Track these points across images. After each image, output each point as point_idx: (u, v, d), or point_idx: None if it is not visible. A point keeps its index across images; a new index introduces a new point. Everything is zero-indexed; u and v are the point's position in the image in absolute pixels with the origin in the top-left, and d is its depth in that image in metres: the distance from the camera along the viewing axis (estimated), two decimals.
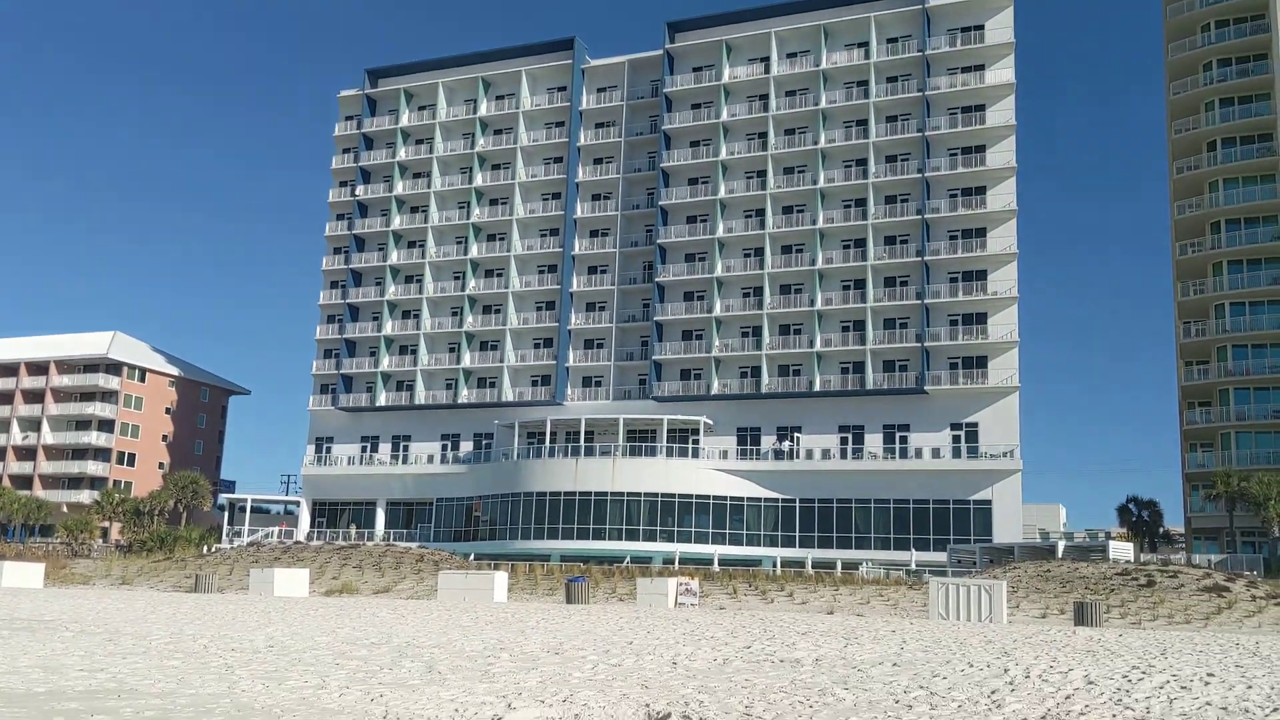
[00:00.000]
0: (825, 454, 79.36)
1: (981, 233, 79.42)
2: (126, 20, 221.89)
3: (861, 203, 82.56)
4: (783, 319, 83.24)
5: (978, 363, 77.56)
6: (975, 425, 76.54)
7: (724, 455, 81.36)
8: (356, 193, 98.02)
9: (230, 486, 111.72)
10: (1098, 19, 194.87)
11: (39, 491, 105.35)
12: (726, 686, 16.79)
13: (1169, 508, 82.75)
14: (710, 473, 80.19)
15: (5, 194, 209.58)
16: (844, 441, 79.48)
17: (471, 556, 74.98)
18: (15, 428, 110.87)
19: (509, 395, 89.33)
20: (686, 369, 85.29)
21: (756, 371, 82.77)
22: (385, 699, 14.82)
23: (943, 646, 26.08)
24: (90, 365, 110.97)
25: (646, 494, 79.28)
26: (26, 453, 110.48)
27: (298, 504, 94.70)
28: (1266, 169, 77.48)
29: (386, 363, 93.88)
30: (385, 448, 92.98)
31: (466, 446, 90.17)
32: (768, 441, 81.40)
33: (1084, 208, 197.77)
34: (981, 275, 78.81)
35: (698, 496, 79.38)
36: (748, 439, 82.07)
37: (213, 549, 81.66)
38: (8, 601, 40.71)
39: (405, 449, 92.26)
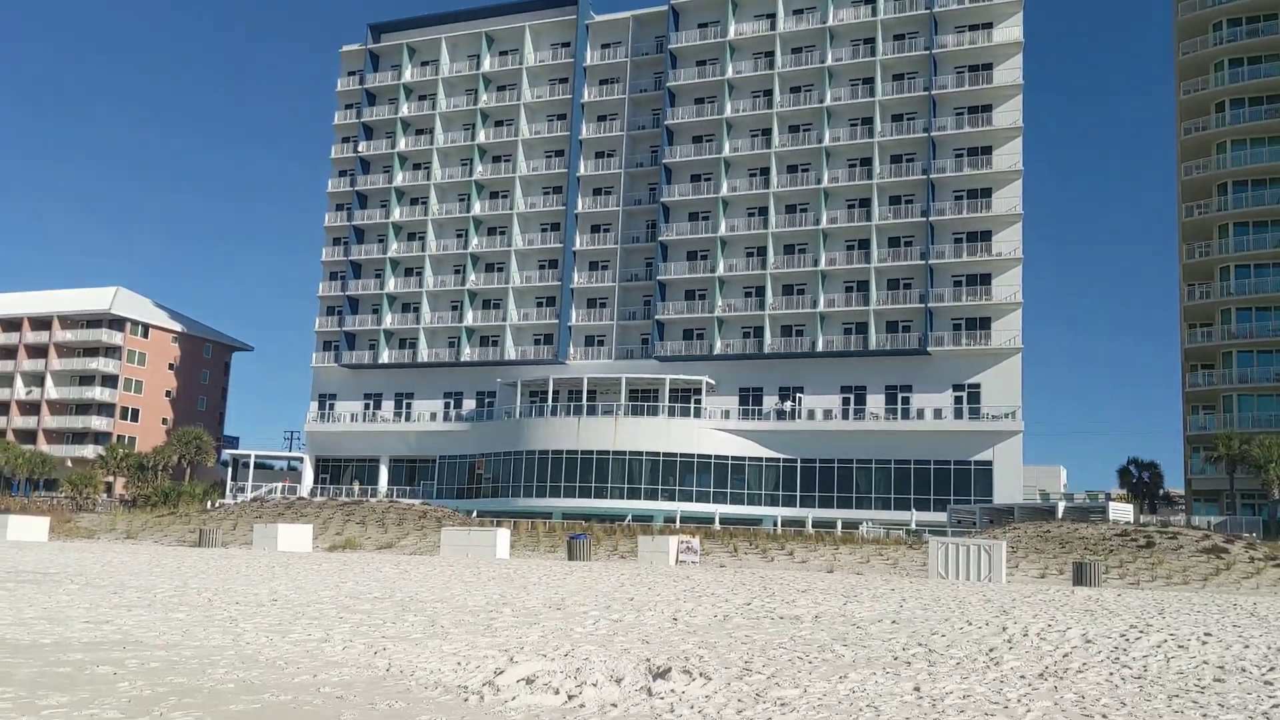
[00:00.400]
0: (827, 414, 79.46)
1: (987, 193, 78.96)
2: None
3: (867, 162, 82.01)
4: (786, 279, 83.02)
5: (981, 324, 77.42)
6: (977, 386, 76.57)
7: (726, 415, 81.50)
8: (359, 149, 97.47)
9: (234, 442, 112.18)
10: None
11: (43, 446, 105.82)
12: (726, 642, 16.90)
13: (1170, 470, 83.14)
14: (712, 432, 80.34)
15: (10, 149, 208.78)
16: (846, 402, 79.56)
17: (474, 513, 75.41)
18: (19, 382, 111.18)
19: (511, 354, 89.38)
20: (689, 328, 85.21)
21: (759, 331, 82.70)
22: (388, 652, 14.94)
23: (942, 605, 26.24)
24: (93, 321, 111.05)
25: (648, 453, 79.48)
26: (30, 407, 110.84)
27: (301, 460, 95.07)
28: (1275, 130, 76.86)
29: (389, 320, 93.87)
30: (388, 405, 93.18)
31: (469, 404, 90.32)
32: (770, 401, 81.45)
33: (1090, 170, 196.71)
34: (986, 236, 78.48)
35: (699, 456, 79.58)
36: (750, 399, 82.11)
37: (216, 504, 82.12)
38: (13, 554, 40.97)
39: (408, 406, 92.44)
